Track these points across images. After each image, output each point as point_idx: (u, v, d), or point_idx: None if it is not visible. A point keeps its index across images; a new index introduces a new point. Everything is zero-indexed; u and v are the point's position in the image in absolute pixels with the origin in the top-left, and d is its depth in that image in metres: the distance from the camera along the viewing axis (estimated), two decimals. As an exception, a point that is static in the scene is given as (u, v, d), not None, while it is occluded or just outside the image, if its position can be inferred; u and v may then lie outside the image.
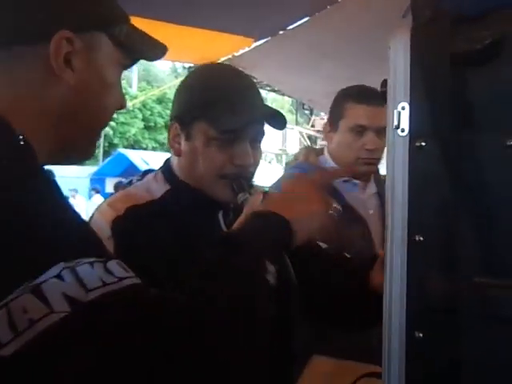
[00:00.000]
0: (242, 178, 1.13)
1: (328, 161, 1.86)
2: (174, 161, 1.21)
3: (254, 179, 1.19)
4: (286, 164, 2.27)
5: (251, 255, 0.78)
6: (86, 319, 0.57)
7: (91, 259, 0.61)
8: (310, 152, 1.97)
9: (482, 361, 0.65)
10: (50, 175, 0.73)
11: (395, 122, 0.67)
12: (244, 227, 0.86)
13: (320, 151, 1.96)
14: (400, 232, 0.67)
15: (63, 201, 0.71)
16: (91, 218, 1.09)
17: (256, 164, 1.17)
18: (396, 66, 0.66)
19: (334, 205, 0.90)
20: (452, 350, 0.67)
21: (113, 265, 0.63)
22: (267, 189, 1.37)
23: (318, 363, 1.16)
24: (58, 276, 0.58)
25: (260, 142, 1.18)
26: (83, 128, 0.80)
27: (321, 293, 1.17)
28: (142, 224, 1.04)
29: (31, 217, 0.62)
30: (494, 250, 0.64)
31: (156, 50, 0.87)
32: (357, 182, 1.83)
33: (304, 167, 1.81)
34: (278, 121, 1.15)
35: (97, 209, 1.12)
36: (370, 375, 0.98)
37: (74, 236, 0.65)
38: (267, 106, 1.20)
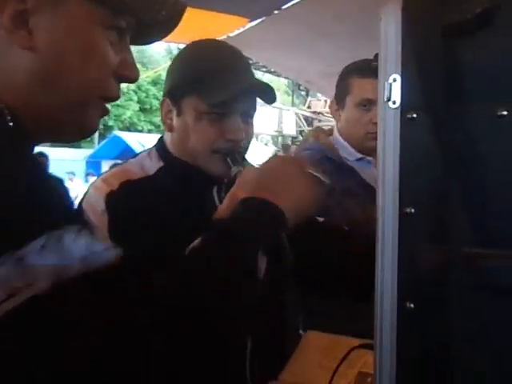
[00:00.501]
0: (236, 152, 1.13)
1: (339, 139, 1.85)
2: (167, 138, 1.21)
3: (246, 153, 1.19)
4: (297, 147, 2.20)
5: (240, 248, 0.74)
6: None
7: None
8: (321, 132, 1.94)
9: (473, 331, 0.66)
10: (35, 160, 0.67)
11: (386, 94, 0.67)
12: (235, 215, 0.82)
13: (330, 131, 1.94)
14: (391, 204, 0.67)
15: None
16: (86, 193, 1.10)
17: (248, 139, 1.18)
18: (387, 37, 0.66)
19: (323, 179, 0.89)
20: (443, 321, 0.67)
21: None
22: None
23: (312, 337, 1.18)
24: None
25: (252, 117, 1.18)
26: (64, 101, 0.71)
27: (317, 266, 1.18)
28: (136, 199, 1.06)
29: None
30: (485, 220, 0.64)
31: (155, 6, 0.75)
32: (370, 158, 1.82)
33: (317, 147, 1.80)
34: (268, 94, 1.15)
35: (92, 184, 1.13)
36: (363, 347, 1.00)
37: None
38: (257, 79, 1.20)
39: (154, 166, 1.17)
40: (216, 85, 1.10)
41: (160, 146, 1.23)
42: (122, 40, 0.75)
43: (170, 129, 1.19)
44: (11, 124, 0.64)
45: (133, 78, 0.77)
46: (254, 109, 1.19)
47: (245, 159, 1.18)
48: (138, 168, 1.16)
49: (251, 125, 1.19)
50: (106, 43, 0.72)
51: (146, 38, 0.81)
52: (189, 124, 1.14)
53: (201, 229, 0.89)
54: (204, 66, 1.14)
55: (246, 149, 1.19)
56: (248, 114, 1.18)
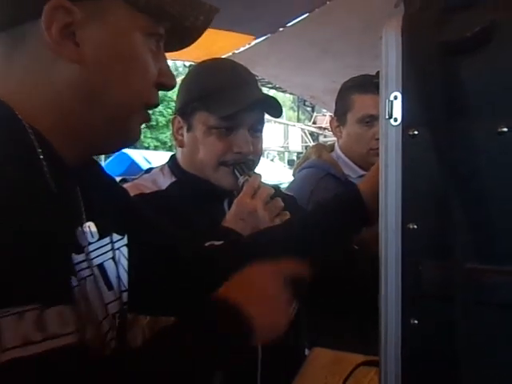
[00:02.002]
0: (242, 164, 1.17)
1: (341, 156, 1.83)
2: (179, 154, 1.26)
3: (255, 167, 1.22)
4: (296, 164, 2.16)
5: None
6: None
7: (25, 307, 0.51)
8: (322, 149, 1.93)
9: (478, 347, 0.66)
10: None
11: (388, 112, 0.68)
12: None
13: (331, 147, 1.93)
14: (394, 220, 0.68)
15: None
16: None
17: (257, 152, 1.21)
18: (388, 55, 0.67)
19: (293, 305, 0.86)
20: (447, 336, 0.67)
21: (52, 313, 0.53)
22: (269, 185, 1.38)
23: (319, 355, 1.17)
24: None
25: (260, 131, 1.22)
26: (108, 113, 0.70)
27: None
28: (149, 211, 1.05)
29: None
30: (486, 236, 0.64)
31: (194, 11, 0.74)
32: None
33: (320, 165, 1.79)
34: (274, 108, 1.19)
35: None
36: (368, 363, 0.99)
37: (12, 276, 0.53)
38: (263, 94, 1.24)
39: (166, 181, 1.21)
40: (225, 99, 1.14)
41: (172, 162, 1.27)
42: (160, 47, 0.75)
43: (181, 144, 1.23)
44: (42, 157, 0.64)
45: (171, 85, 0.77)
46: (262, 123, 1.23)
47: (252, 170, 1.21)
48: (151, 183, 1.20)
49: (260, 139, 1.22)
50: (147, 51, 0.72)
51: (179, 44, 0.81)
52: (198, 138, 1.19)
53: (212, 240, 0.97)
54: (213, 83, 1.18)
55: (254, 162, 1.22)
56: (256, 129, 1.21)
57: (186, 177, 1.22)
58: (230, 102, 1.14)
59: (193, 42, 0.82)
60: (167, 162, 1.28)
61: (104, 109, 0.70)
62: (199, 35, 0.80)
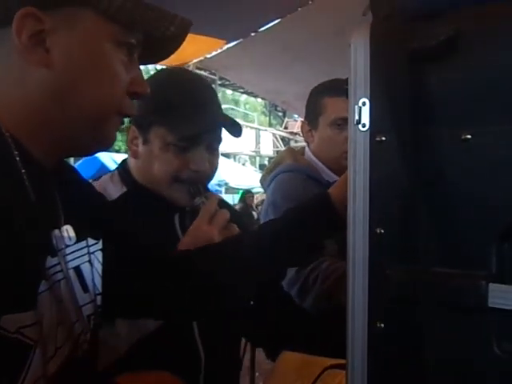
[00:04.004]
0: (199, 183, 1.16)
1: (313, 160, 1.81)
2: (131, 163, 1.22)
3: (210, 182, 1.23)
4: (266, 169, 2.14)
5: None
6: None
7: None
8: (296, 153, 1.90)
9: (443, 350, 0.67)
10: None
11: (356, 118, 0.68)
12: None
13: (300, 152, 1.91)
14: (361, 225, 0.69)
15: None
16: None
17: (212, 168, 1.20)
18: (356, 62, 0.68)
19: None
20: (413, 340, 0.68)
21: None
22: (241, 191, 1.41)
23: (288, 358, 1.18)
24: None
25: (217, 148, 1.21)
26: (80, 116, 0.72)
27: None
28: None
29: None
30: (453, 240, 0.65)
31: (164, 22, 0.75)
32: None
33: (299, 168, 1.76)
34: (235, 128, 1.18)
35: None
36: (335, 367, 1.00)
37: None
38: (224, 115, 1.23)
39: (117, 190, 1.19)
40: (185, 118, 1.12)
41: (123, 170, 1.24)
42: (132, 57, 0.76)
43: (135, 155, 1.20)
44: (18, 159, 0.66)
45: (144, 93, 0.78)
46: (220, 141, 1.22)
47: (207, 189, 1.21)
48: (101, 191, 1.12)
49: (216, 154, 1.22)
50: (118, 60, 0.74)
51: (153, 55, 0.82)
52: (155, 153, 1.16)
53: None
54: (172, 98, 1.15)
55: (209, 178, 1.22)
56: (213, 147, 1.20)
57: (136, 188, 1.20)
58: (190, 122, 1.12)
59: (168, 55, 0.83)
60: (118, 168, 1.25)
61: (75, 112, 0.72)
62: (173, 47, 0.81)
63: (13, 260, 0.61)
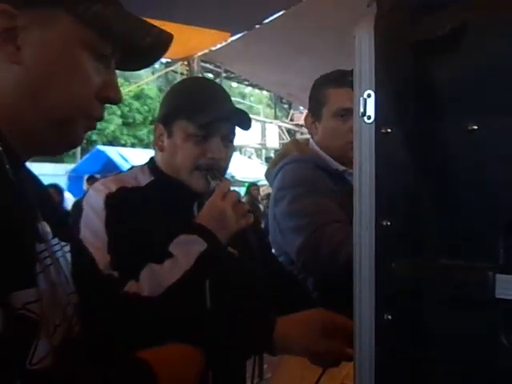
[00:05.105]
0: (215, 169, 1.35)
1: (318, 152, 1.81)
2: (158, 157, 1.43)
3: (225, 172, 1.41)
4: (272, 161, 2.13)
5: None
6: None
7: None
8: (302, 144, 1.90)
9: (450, 342, 0.67)
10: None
11: (361, 110, 0.68)
12: None
13: (306, 142, 1.91)
14: (367, 217, 0.69)
15: None
16: (86, 193, 1.32)
17: (227, 159, 1.40)
18: (361, 54, 0.68)
19: None
20: (421, 332, 0.68)
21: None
22: (247, 184, 1.51)
23: (288, 361, 1.18)
24: None
25: (231, 141, 1.41)
26: (48, 115, 0.74)
27: None
28: (130, 203, 1.27)
29: None
30: (458, 232, 0.65)
31: (140, 33, 0.77)
32: (352, 171, 1.78)
33: (307, 159, 1.76)
34: (245, 121, 1.39)
35: (91, 187, 1.34)
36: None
37: None
38: (236, 108, 1.44)
39: (146, 179, 1.39)
40: (203, 110, 1.32)
41: (151, 164, 1.44)
42: (107, 62, 0.77)
43: (162, 149, 1.40)
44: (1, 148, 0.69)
45: (115, 99, 0.80)
46: (234, 134, 1.40)
47: (223, 175, 1.38)
48: (132, 179, 1.36)
49: (230, 148, 1.41)
50: (89, 64, 0.75)
51: (131, 64, 0.84)
52: (178, 144, 1.36)
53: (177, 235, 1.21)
54: (193, 97, 1.37)
55: (224, 167, 1.40)
56: (228, 138, 1.38)
57: (162, 177, 1.39)
58: (208, 113, 1.31)
59: (148, 64, 0.86)
60: (147, 163, 1.45)
61: (43, 110, 0.73)
62: (153, 57, 0.84)
63: (13, 244, 0.66)
